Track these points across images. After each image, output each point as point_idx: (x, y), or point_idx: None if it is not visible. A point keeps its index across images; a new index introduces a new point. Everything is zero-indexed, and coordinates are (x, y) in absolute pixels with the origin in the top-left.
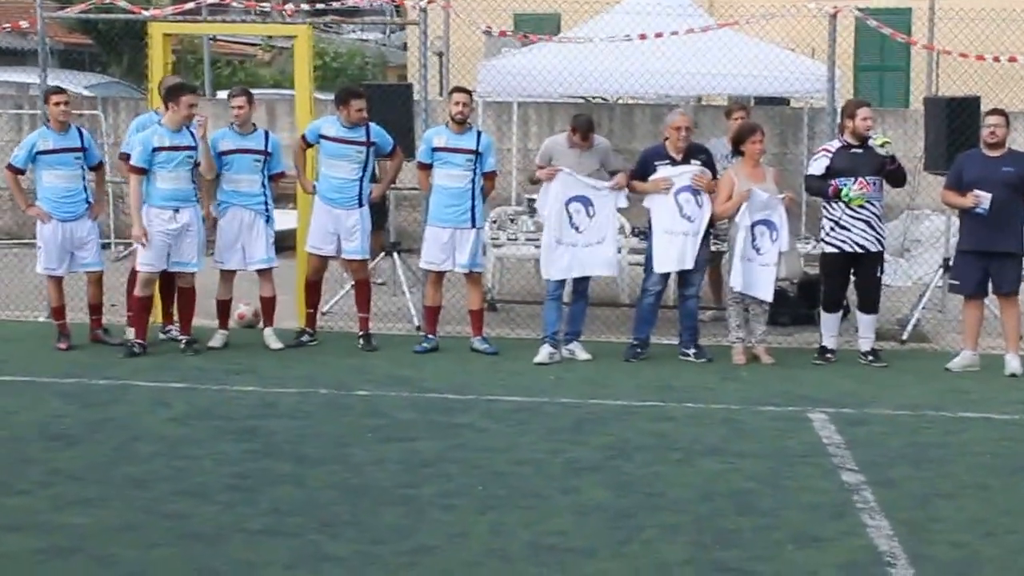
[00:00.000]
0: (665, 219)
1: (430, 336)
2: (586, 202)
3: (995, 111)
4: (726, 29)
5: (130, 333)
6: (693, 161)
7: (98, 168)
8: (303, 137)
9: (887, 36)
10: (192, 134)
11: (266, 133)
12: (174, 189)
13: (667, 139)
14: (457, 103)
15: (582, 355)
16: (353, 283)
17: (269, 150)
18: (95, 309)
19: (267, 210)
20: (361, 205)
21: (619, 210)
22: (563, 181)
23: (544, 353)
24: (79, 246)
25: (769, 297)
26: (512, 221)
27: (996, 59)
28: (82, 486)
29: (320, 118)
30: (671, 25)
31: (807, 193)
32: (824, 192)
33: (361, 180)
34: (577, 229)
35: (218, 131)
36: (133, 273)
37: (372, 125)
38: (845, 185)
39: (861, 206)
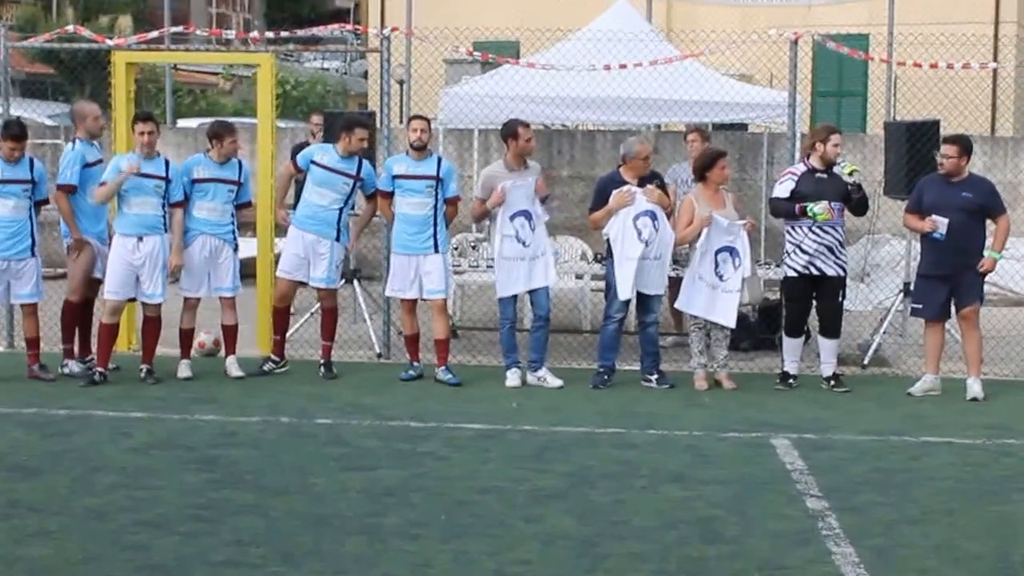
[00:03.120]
0: (625, 245)
1: (415, 364)
2: (528, 215)
3: (948, 139)
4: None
5: (72, 365)
6: (648, 186)
7: (44, 203)
8: (294, 163)
9: (845, 61)
10: (166, 163)
11: (239, 164)
12: (139, 215)
13: (622, 166)
14: (415, 130)
15: (553, 381)
16: (312, 312)
17: (241, 180)
18: (31, 343)
19: (234, 238)
20: (337, 238)
21: (577, 237)
22: (508, 196)
23: (515, 377)
24: (16, 277)
25: (732, 323)
26: (474, 248)
27: (950, 66)
28: (42, 517)
29: (314, 146)
30: (631, 53)
31: (772, 216)
32: (791, 212)
33: (340, 211)
34: (524, 244)
35: (192, 157)
36: (67, 304)
37: (365, 162)
38: (811, 204)
39: (824, 230)
